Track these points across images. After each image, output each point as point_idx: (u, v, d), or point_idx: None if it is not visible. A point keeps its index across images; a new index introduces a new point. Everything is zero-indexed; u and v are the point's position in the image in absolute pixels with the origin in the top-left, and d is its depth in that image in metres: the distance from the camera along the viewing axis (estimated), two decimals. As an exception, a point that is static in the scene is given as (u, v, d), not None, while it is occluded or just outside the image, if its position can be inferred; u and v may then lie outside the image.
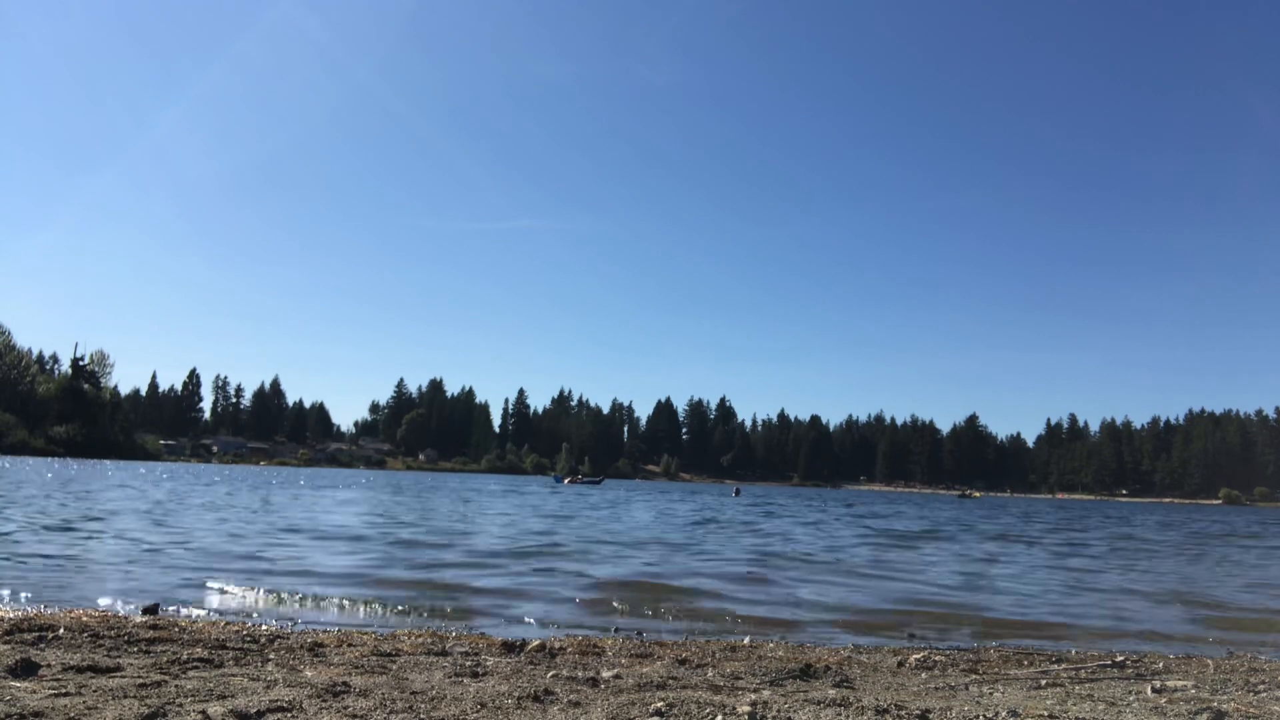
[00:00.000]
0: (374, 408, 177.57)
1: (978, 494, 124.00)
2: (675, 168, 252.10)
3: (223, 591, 7.53)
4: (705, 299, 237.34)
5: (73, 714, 3.08)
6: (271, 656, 4.59)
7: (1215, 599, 9.86)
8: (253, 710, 3.23)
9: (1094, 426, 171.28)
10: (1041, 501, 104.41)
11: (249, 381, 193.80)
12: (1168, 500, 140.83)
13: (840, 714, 3.48)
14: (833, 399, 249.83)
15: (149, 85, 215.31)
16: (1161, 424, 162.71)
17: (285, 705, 3.34)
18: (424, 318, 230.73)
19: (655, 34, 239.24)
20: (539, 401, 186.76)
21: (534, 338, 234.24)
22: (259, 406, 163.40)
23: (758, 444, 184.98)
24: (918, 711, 3.53)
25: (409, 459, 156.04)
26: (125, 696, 3.39)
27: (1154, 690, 4.25)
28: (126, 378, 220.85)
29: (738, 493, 67.58)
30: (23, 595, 6.87)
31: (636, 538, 15.46)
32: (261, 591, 7.44)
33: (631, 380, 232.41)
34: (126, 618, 5.73)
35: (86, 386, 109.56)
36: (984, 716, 3.50)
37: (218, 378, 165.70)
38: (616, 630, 6.47)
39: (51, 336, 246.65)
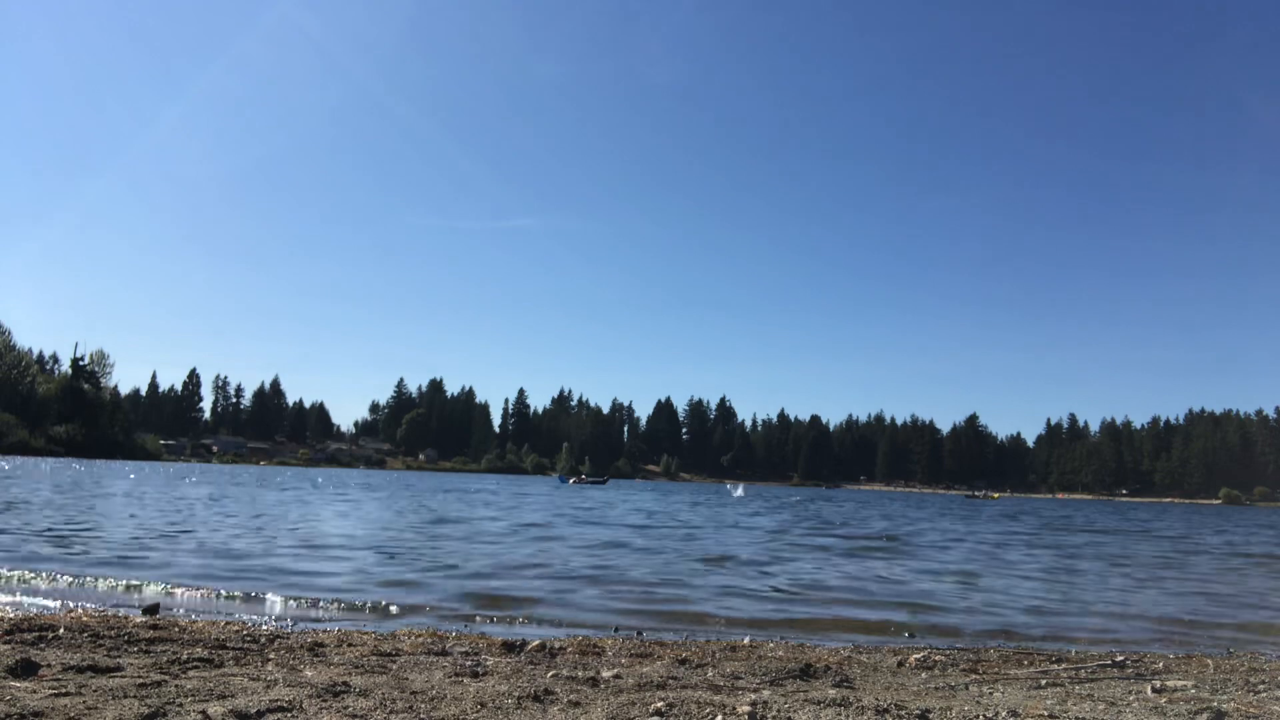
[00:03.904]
0: (374, 408, 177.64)
1: (995, 494, 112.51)
2: (675, 168, 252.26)
3: None
4: (705, 299, 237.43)
5: (73, 714, 3.08)
6: (271, 656, 4.59)
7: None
8: (253, 710, 3.23)
9: (1094, 426, 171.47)
10: (1046, 501, 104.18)
11: (249, 381, 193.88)
12: (1168, 500, 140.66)
13: (840, 714, 3.48)
14: (833, 399, 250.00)
15: (149, 85, 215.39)
16: (1161, 424, 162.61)
17: (285, 705, 3.34)
18: (424, 318, 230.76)
19: (655, 34, 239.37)
20: (539, 401, 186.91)
21: (534, 338, 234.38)
22: (259, 406, 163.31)
23: (758, 444, 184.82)
24: (918, 711, 3.53)
25: (409, 459, 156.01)
26: (125, 696, 3.39)
27: (1154, 690, 4.25)
28: (126, 378, 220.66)
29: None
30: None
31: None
32: None
33: (631, 380, 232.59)
34: (126, 618, 5.73)
35: (86, 386, 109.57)
36: (984, 716, 3.50)
37: (218, 378, 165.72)
38: (616, 630, 6.47)
39: (51, 336, 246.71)
